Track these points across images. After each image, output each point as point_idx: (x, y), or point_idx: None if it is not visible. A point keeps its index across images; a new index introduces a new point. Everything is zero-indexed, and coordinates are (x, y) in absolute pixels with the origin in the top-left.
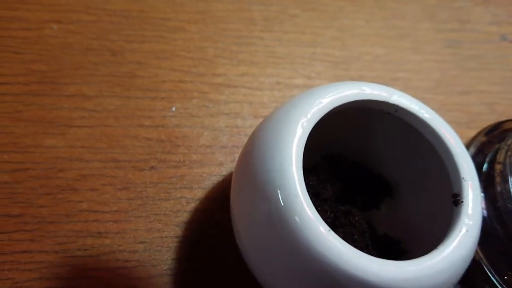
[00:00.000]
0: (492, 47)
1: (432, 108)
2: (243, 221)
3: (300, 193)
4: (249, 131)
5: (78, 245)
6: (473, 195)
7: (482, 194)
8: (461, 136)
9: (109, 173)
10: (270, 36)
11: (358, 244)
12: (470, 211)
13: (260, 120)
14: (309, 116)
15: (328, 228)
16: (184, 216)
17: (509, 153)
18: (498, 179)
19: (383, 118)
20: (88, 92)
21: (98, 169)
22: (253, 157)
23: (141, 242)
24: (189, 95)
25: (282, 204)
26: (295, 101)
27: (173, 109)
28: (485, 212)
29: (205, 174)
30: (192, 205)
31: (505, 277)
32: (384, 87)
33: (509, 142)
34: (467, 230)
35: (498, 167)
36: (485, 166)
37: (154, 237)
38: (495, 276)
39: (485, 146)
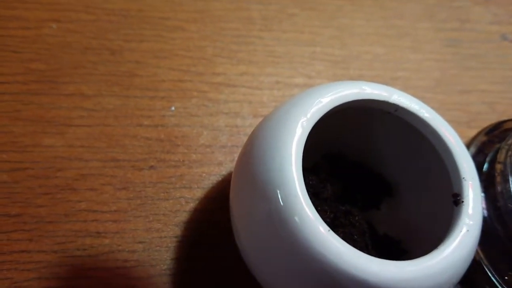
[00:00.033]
0: (492, 46)
1: (432, 108)
2: (243, 221)
3: (299, 193)
4: (249, 131)
5: (77, 245)
6: (474, 195)
7: (483, 194)
8: (461, 136)
9: (108, 172)
10: (269, 36)
11: (358, 244)
12: (470, 211)
13: (260, 119)
14: (308, 115)
15: (327, 228)
16: (183, 216)
17: (509, 152)
18: (498, 178)
19: (383, 117)
20: (87, 91)
21: (97, 169)
22: (253, 157)
23: (140, 242)
24: (189, 94)
25: (282, 204)
26: (294, 101)
27: (173, 108)
28: (485, 212)
29: (204, 174)
30: (191, 205)
31: (506, 277)
32: (384, 86)
33: (509, 142)
34: (468, 230)
35: (498, 166)
36: (485, 166)
37: (153, 237)
38: (496, 276)
39: (485, 146)
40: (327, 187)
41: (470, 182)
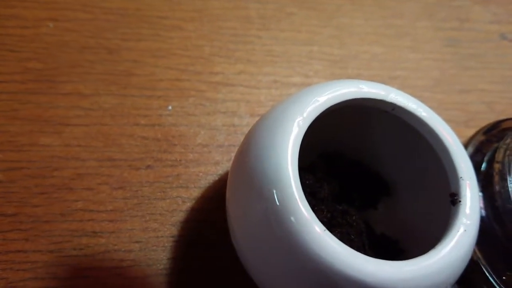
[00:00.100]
0: (491, 46)
1: (431, 107)
2: (239, 221)
3: (295, 192)
4: (246, 130)
5: (73, 244)
6: (471, 194)
7: (481, 194)
8: (459, 135)
9: (105, 172)
10: (267, 35)
11: (355, 244)
12: (468, 210)
13: (257, 118)
14: (305, 114)
15: (323, 228)
16: (180, 216)
17: (507, 152)
18: (496, 178)
19: (381, 116)
20: (84, 90)
21: (94, 168)
22: (249, 156)
23: (136, 242)
24: (186, 93)
25: (278, 204)
26: (291, 100)
27: (170, 107)
28: (483, 211)
29: (201, 173)
30: (188, 205)
31: (503, 277)
32: (382, 85)
33: (507, 141)
34: (465, 230)
35: (496, 166)
36: (483, 165)
37: (149, 236)
38: (493, 276)
39: (483, 145)
40: (323, 186)
41: (468, 182)
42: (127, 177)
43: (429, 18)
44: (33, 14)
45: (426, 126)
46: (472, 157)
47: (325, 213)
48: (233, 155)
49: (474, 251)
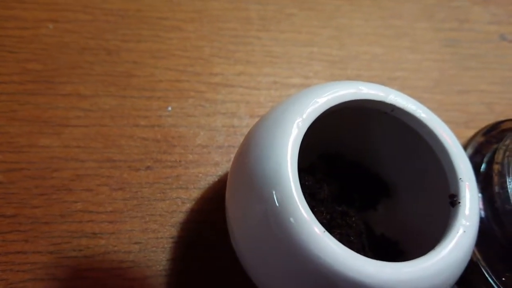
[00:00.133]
0: (491, 46)
1: (430, 108)
2: (238, 222)
3: (295, 194)
4: (246, 131)
5: (72, 245)
6: (471, 195)
7: (480, 195)
8: (459, 136)
9: (105, 173)
10: (267, 36)
11: (354, 245)
12: (467, 212)
13: (257, 119)
14: (304, 116)
15: (323, 229)
16: (179, 217)
17: (507, 153)
18: (496, 179)
19: (380, 117)
20: (84, 91)
21: (93, 169)
22: (249, 157)
23: (136, 243)
24: (186, 94)
25: (277, 205)
26: (291, 101)
27: (169, 108)
28: (482, 212)
29: (201, 174)
30: (187, 206)
31: (503, 278)
32: (381, 86)
33: (507, 142)
34: (464, 231)
35: (496, 167)
36: (483, 166)
37: (149, 237)
38: (493, 277)
39: (483, 146)
40: (323, 187)
41: (467, 183)
42: (127, 178)
43: (428, 18)
44: (33, 15)
45: (426, 127)
46: (472, 158)
47: (324, 214)
48: (232, 156)
49: (474, 252)
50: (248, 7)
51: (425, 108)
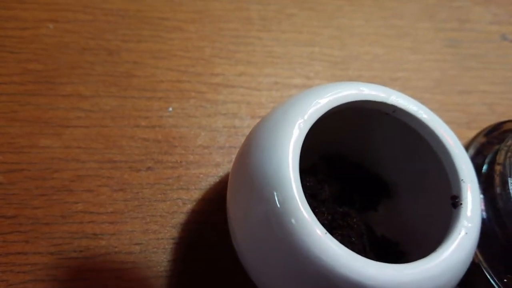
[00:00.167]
0: (492, 46)
1: (432, 108)
2: (239, 223)
3: (296, 195)
4: (247, 132)
5: (73, 246)
6: (472, 197)
7: (482, 196)
8: (460, 137)
9: (105, 174)
10: (268, 36)
11: (355, 246)
12: (469, 213)
13: (258, 120)
14: (306, 117)
15: (324, 230)
16: (180, 218)
17: (509, 154)
18: (497, 180)
19: (382, 118)
20: (85, 92)
21: (94, 170)
22: (250, 158)
23: (137, 244)
24: (187, 95)
25: (278, 205)
26: (292, 102)
27: (170, 109)
28: (484, 214)
29: (202, 175)
30: (188, 206)
31: (505, 280)
32: (383, 87)
33: (509, 143)
34: (466, 233)
35: (497, 168)
36: (484, 167)
37: (150, 238)
38: (494, 278)
39: (484, 147)
40: (324, 188)
41: (469, 184)
42: (128, 179)
43: (429, 18)
44: (33, 15)
45: (427, 128)
46: (473, 159)
47: (325, 215)
48: (233, 156)
49: (475, 254)
50: (249, 8)
51: (426, 109)
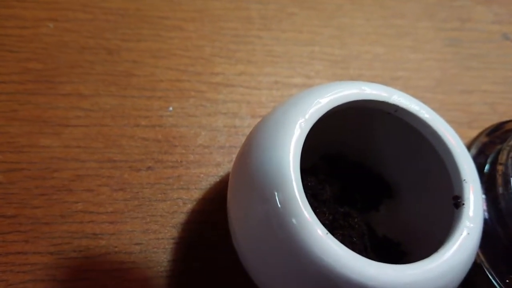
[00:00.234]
0: (493, 46)
1: (433, 108)
2: (240, 223)
3: (297, 195)
4: (247, 131)
5: (73, 246)
6: (474, 197)
7: (484, 196)
8: (462, 136)
9: (105, 173)
10: (268, 35)
11: (356, 246)
12: (471, 213)
13: (258, 119)
14: (307, 116)
15: (325, 230)
16: (180, 217)
17: (511, 154)
18: (499, 180)
19: (383, 118)
20: (84, 91)
21: (94, 170)
22: (250, 158)
23: (137, 244)
24: (186, 94)
25: (279, 205)
26: (293, 101)
27: (170, 108)
28: (486, 214)
29: (202, 175)
30: (189, 206)
31: (507, 280)
32: (384, 87)
33: (511, 143)
34: (468, 233)
35: (500, 168)
36: (486, 167)
37: (150, 238)
38: (496, 279)
39: (486, 147)
40: (325, 188)
41: (471, 184)
42: (128, 179)
43: (430, 18)
44: (33, 14)
45: (429, 127)
46: (475, 159)
47: (327, 215)
48: (234, 156)
49: (477, 254)
50: (249, 7)
51: (428, 109)
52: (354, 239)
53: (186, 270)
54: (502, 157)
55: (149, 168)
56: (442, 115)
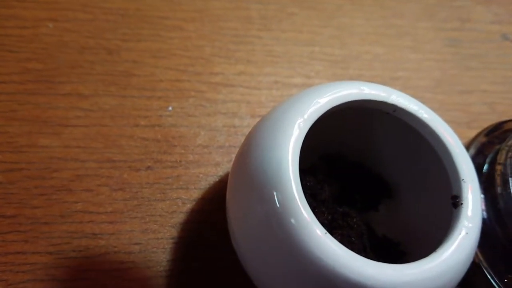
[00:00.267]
0: (493, 46)
1: (432, 108)
2: (239, 223)
3: (296, 195)
4: (247, 131)
5: (72, 246)
6: (473, 197)
7: (482, 196)
8: (461, 136)
9: (105, 173)
10: (268, 35)
11: (355, 246)
12: (469, 213)
13: (258, 119)
14: (306, 116)
15: (324, 230)
16: (180, 217)
17: (509, 154)
18: (498, 180)
19: (382, 118)
20: (84, 91)
21: (93, 170)
22: (249, 158)
23: (136, 243)
24: (186, 94)
25: (278, 205)
26: (292, 101)
27: (170, 108)
28: (485, 213)
29: (201, 175)
30: (188, 206)
31: (505, 280)
32: (383, 86)
33: (509, 143)
34: (467, 233)
35: (498, 168)
36: (485, 167)
37: (149, 238)
38: (495, 278)
39: (485, 147)
40: (324, 188)
41: (470, 184)
42: (127, 179)
43: (429, 18)
44: (33, 14)
45: (428, 127)
46: (474, 158)
47: (325, 215)
48: (233, 156)
49: (476, 254)
50: (249, 7)
51: (427, 109)
52: (353, 239)
53: (185, 270)
54: (501, 157)
55: (148, 168)
56: (442, 115)
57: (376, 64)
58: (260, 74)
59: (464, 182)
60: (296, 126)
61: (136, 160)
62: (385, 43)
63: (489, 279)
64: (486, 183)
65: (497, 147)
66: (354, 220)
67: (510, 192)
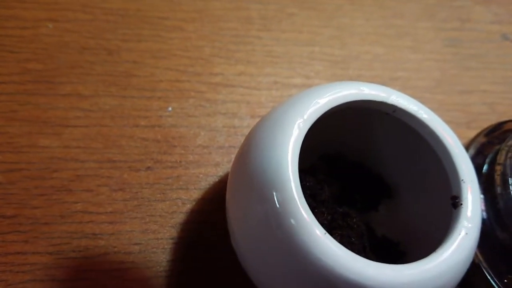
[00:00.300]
0: (493, 46)
1: (432, 108)
2: (239, 223)
3: (296, 195)
4: (246, 131)
5: (72, 246)
6: (473, 197)
7: (482, 196)
8: (461, 137)
9: (105, 173)
10: (268, 35)
11: (355, 246)
12: (469, 213)
13: (258, 120)
14: (305, 116)
15: (324, 231)
16: (180, 217)
17: (509, 154)
18: (498, 180)
19: (382, 118)
20: (84, 91)
21: (93, 170)
22: (249, 158)
23: (136, 244)
24: (186, 94)
25: (278, 206)
26: (291, 101)
27: (170, 109)
28: (484, 214)
29: (201, 175)
30: (188, 206)
31: (505, 280)
32: (383, 87)
33: (509, 143)
34: (466, 233)
35: (498, 168)
36: (485, 168)
37: (149, 238)
38: (495, 279)
39: (485, 147)
40: (324, 188)
41: (469, 185)
42: (127, 179)
43: (429, 18)
44: (33, 14)
45: (427, 128)
46: (474, 159)
47: (325, 215)
48: (233, 156)
49: (476, 254)
50: (249, 7)
51: (426, 109)
52: (353, 239)
53: (185, 270)
54: (501, 157)
55: (148, 168)
56: (441, 115)
57: (376, 64)
58: (260, 75)
59: (464, 182)
60: (295, 126)
61: (136, 161)
62: (385, 43)
63: (488, 279)
64: (486, 183)
65: (497, 147)
66: (354, 220)
67: (510, 192)
